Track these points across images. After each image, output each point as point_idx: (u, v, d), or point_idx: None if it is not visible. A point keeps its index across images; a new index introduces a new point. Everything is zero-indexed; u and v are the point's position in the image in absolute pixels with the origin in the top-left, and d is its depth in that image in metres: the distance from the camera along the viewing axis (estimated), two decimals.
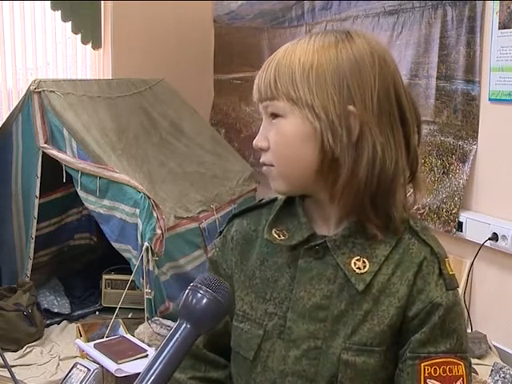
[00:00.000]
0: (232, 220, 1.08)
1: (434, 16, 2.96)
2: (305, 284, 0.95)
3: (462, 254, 2.96)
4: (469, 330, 2.94)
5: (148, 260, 2.82)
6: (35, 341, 2.93)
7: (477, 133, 2.83)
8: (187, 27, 4.53)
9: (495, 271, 2.85)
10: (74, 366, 2.33)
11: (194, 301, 0.81)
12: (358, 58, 0.91)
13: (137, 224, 2.91)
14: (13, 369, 2.52)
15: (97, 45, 4.27)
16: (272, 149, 0.94)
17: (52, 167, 3.13)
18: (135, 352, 2.46)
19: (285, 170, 0.94)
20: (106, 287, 3.36)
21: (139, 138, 3.52)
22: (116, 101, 3.54)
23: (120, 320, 2.92)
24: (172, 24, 4.47)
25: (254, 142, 0.96)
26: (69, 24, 4.12)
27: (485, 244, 2.78)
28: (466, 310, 2.94)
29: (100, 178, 3.02)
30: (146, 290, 2.86)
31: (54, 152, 3.12)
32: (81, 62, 4.36)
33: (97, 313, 3.33)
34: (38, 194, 3.19)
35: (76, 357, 2.68)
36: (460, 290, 2.90)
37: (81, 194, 3.10)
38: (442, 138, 2.98)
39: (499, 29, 2.67)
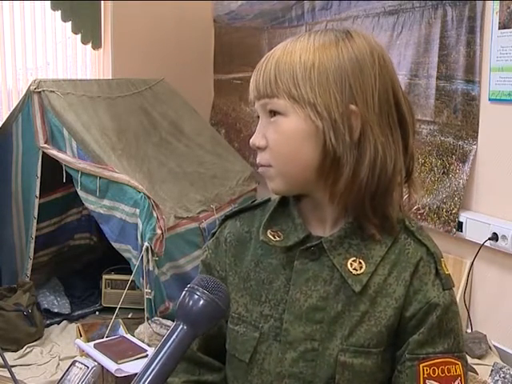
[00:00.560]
0: (225, 221, 1.06)
1: (433, 16, 2.95)
2: (301, 285, 0.94)
3: (462, 254, 2.96)
4: (469, 330, 2.94)
5: (148, 260, 2.83)
6: (35, 341, 2.94)
7: (477, 133, 2.83)
8: (187, 27, 4.53)
9: (495, 271, 2.85)
10: (73, 363, 2.32)
11: (191, 302, 0.81)
12: (358, 57, 0.90)
13: (137, 224, 2.91)
14: (13, 369, 2.53)
15: (97, 45, 4.27)
16: (271, 147, 0.93)
17: (52, 167, 3.14)
18: (135, 352, 2.46)
19: (284, 168, 0.92)
20: (105, 287, 3.37)
21: (139, 138, 3.52)
22: (116, 101, 3.54)
23: (120, 320, 2.92)
24: (172, 24, 4.47)
25: (251, 140, 0.94)
26: (69, 24, 4.12)
27: (485, 244, 2.78)
28: (466, 309, 2.94)
29: (100, 178, 3.02)
30: (145, 290, 2.86)
31: (53, 152, 3.12)
32: (81, 62, 4.36)
33: (97, 313, 3.33)
34: (37, 193, 3.19)
35: (76, 357, 2.68)
36: (460, 290, 2.91)
37: (81, 193, 3.11)
38: (442, 138, 2.97)
39: (499, 29, 2.67)
